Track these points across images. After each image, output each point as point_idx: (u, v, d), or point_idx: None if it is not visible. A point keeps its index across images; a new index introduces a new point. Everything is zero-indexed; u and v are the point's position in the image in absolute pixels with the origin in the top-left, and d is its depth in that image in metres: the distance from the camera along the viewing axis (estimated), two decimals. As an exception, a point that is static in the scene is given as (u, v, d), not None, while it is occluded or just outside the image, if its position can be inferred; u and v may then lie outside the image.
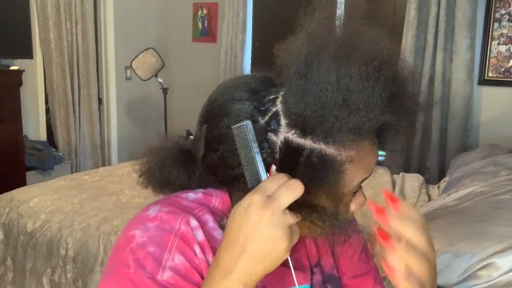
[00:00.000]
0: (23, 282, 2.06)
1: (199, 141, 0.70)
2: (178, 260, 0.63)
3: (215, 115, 0.67)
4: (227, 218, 0.68)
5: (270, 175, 0.61)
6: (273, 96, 0.65)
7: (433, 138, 3.25)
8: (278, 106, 0.64)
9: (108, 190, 2.40)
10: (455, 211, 1.72)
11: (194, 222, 0.65)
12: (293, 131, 0.62)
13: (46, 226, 2.03)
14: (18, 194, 2.30)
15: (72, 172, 3.89)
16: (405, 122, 0.66)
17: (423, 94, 3.21)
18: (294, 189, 0.56)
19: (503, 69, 3.15)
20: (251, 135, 0.60)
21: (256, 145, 0.60)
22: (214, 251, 0.64)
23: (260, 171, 0.59)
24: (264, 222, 0.55)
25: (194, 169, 0.71)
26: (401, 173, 2.66)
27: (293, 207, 0.57)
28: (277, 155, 0.63)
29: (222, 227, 0.68)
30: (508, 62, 3.13)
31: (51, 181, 2.56)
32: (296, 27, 0.66)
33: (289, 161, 0.62)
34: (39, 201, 2.20)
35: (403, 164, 3.35)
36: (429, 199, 2.35)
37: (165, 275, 0.61)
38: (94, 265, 1.86)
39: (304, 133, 0.62)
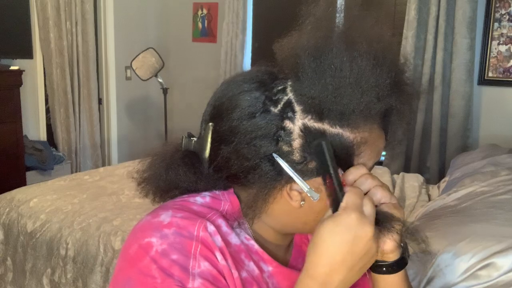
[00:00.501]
0: (23, 282, 2.06)
1: (204, 141, 0.69)
2: (204, 266, 0.60)
3: (225, 109, 0.66)
4: (238, 222, 0.68)
5: (344, 183, 0.62)
6: (282, 87, 0.64)
7: (433, 138, 3.25)
8: (290, 95, 0.63)
9: (108, 190, 2.40)
10: (455, 211, 1.72)
11: (211, 228, 0.63)
12: (309, 116, 0.62)
13: (46, 226, 2.03)
14: (18, 194, 2.30)
15: (72, 172, 3.90)
16: (406, 108, 0.67)
17: (424, 86, 3.21)
18: (372, 204, 0.60)
19: (503, 69, 3.15)
20: (330, 152, 0.61)
21: (335, 163, 0.61)
22: (232, 257, 0.64)
23: (338, 189, 0.61)
24: (370, 239, 0.58)
25: (201, 170, 0.70)
26: (401, 173, 2.66)
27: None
28: (295, 142, 0.62)
29: (235, 231, 0.67)
30: (508, 62, 3.13)
31: (51, 181, 2.56)
32: (299, 18, 0.67)
33: (307, 147, 0.62)
34: (39, 201, 2.20)
35: (403, 164, 3.36)
36: (429, 199, 2.35)
37: (196, 283, 0.59)
38: (94, 265, 1.86)
39: (320, 117, 0.62)
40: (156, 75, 3.90)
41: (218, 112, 0.67)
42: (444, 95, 3.22)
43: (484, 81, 3.21)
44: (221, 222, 0.66)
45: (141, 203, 2.21)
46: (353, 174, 0.63)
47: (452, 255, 1.37)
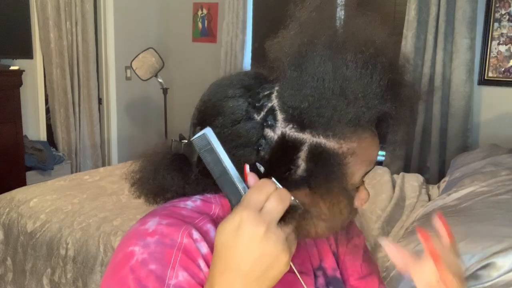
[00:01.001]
0: (23, 282, 2.06)
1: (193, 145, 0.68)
2: (182, 276, 0.59)
3: (209, 114, 0.65)
4: None
5: (246, 176, 0.57)
6: (268, 92, 0.62)
7: (433, 138, 3.25)
8: (274, 101, 0.61)
9: (108, 190, 2.40)
10: (455, 211, 1.72)
11: (196, 234, 0.61)
12: (291, 125, 0.60)
13: (46, 226, 2.03)
14: (18, 194, 2.30)
15: (72, 172, 3.90)
16: (405, 112, 0.65)
17: (424, 86, 3.21)
18: (284, 200, 0.53)
19: (503, 69, 3.15)
20: (214, 142, 0.55)
21: (224, 152, 0.56)
22: None
23: (236, 181, 0.55)
24: (260, 240, 0.51)
25: (189, 174, 0.68)
26: (401, 173, 2.66)
27: (284, 215, 0.53)
28: (274, 152, 0.60)
29: None
30: (508, 62, 3.13)
31: (51, 181, 2.56)
32: (286, 19, 0.65)
33: (287, 157, 0.60)
34: (39, 201, 2.20)
35: (403, 164, 3.36)
36: (429, 199, 2.35)
37: None
38: (94, 265, 1.86)
39: (302, 126, 0.60)
40: (156, 75, 3.90)
41: (203, 118, 0.66)
42: (444, 95, 3.22)
43: (484, 81, 3.21)
44: (210, 227, 0.64)
45: (141, 203, 2.21)
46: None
47: (452, 255, 1.37)
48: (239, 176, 0.56)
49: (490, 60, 3.17)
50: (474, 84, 3.20)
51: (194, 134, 0.65)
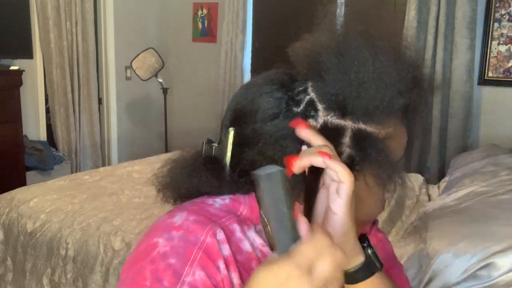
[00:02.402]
0: (23, 282, 2.06)
1: (225, 146, 0.68)
2: (198, 275, 0.59)
3: (246, 112, 0.66)
4: (255, 228, 0.66)
5: (295, 213, 0.51)
6: (303, 87, 0.64)
7: (433, 138, 3.25)
8: (311, 94, 0.63)
9: (108, 190, 2.40)
10: (455, 211, 1.72)
11: (221, 235, 0.62)
12: (332, 113, 0.62)
13: (46, 226, 2.03)
14: (18, 194, 2.30)
15: (72, 172, 3.89)
16: (425, 102, 0.67)
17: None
18: (338, 261, 0.48)
19: (503, 69, 3.15)
20: (283, 183, 0.50)
21: (288, 196, 0.50)
22: (239, 266, 0.62)
23: (290, 228, 0.50)
24: None
25: (223, 174, 0.68)
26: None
27: None
28: None
29: (250, 238, 0.65)
30: (508, 62, 3.13)
31: (51, 181, 2.56)
32: (315, 19, 0.67)
33: (331, 144, 0.60)
34: (39, 201, 2.20)
35: (403, 164, 3.36)
36: (429, 199, 2.35)
37: None
38: (94, 265, 1.86)
39: (343, 113, 0.62)
40: (156, 75, 3.90)
41: (240, 116, 0.67)
42: (444, 95, 3.22)
43: (484, 81, 3.21)
44: (236, 227, 0.65)
45: (141, 203, 2.21)
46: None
47: (452, 255, 1.37)
48: (295, 223, 0.50)
49: (490, 60, 3.17)
50: (474, 84, 3.20)
51: (225, 136, 0.66)
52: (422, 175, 2.72)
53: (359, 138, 0.62)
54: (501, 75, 3.16)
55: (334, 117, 0.62)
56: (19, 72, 3.35)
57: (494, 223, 1.50)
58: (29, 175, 3.49)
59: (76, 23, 3.92)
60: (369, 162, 0.62)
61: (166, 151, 4.07)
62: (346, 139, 0.62)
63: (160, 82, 3.97)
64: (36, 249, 2.02)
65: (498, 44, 3.14)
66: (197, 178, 0.69)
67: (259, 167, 0.57)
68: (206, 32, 4.42)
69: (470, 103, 3.17)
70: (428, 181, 2.75)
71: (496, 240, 1.38)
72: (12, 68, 3.35)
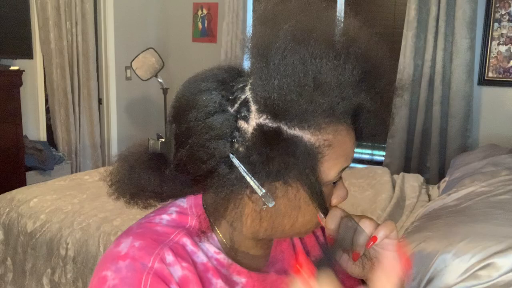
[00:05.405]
0: (23, 282, 2.06)
1: (170, 142, 0.66)
2: None
3: (183, 109, 0.63)
4: (207, 239, 0.66)
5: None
6: (242, 85, 0.61)
7: (433, 138, 3.25)
8: (247, 93, 0.60)
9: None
10: (455, 211, 1.72)
11: (170, 258, 0.61)
12: (264, 116, 0.58)
13: (46, 226, 2.03)
14: (18, 194, 2.30)
15: (72, 172, 3.89)
16: (381, 103, 0.63)
17: (423, 93, 3.21)
18: None
19: (503, 69, 3.15)
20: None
21: None
22: (201, 276, 0.62)
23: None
24: None
25: (166, 172, 0.67)
26: (401, 173, 2.66)
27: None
28: (249, 144, 0.59)
29: (203, 248, 0.65)
30: (508, 62, 3.13)
31: (51, 181, 2.56)
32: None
33: (261, 148, 0.58)
34: (39, 201, 2.20)
35: (403, 164, 3.36)
36: (429, 199, 2.35)
37: None
38: (94, 265, 1.86)
39: (275, 117, 0.58)
40: (156, 75, 3.90)
41: (178, 113, 0.65)
42: (444, 95, 3.22)
43: (484, 81, 3.21)
44: (186, 240, 0.64)
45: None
46: (332, 220, 0.63)
47: (452, 255, 1.37)
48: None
49: (490, 60, 3.17)
50: (474, 84, 3.20)
51: (170, 132, 0.65)
52: (422, 175, 2.72)
53: (292, 144, 0.58)
54: (501, 75, 3.16)
55: (267, 121, 0.58)
56: (19, 72, 3.35)
57: (494, 223, 1.50)
58: (29, 175, 3.49)
59: (76, 23, 3.92)
60: (299, 170, 0.59)
61: (166, 151, 4.06)
62: (277, 145, 0.58)
63: (160, 82, 3.96)
64: (36, 249, 2.02)
65: (498, 44, 3.14)
66: (137, 175, 0.68)
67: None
68: (206, 32, 4.42)
69: (470, 103, 3.17)
70: (428, 181, 2.75)
71: (496, 240, 1.38)
72: (12, 68, 3.35)
